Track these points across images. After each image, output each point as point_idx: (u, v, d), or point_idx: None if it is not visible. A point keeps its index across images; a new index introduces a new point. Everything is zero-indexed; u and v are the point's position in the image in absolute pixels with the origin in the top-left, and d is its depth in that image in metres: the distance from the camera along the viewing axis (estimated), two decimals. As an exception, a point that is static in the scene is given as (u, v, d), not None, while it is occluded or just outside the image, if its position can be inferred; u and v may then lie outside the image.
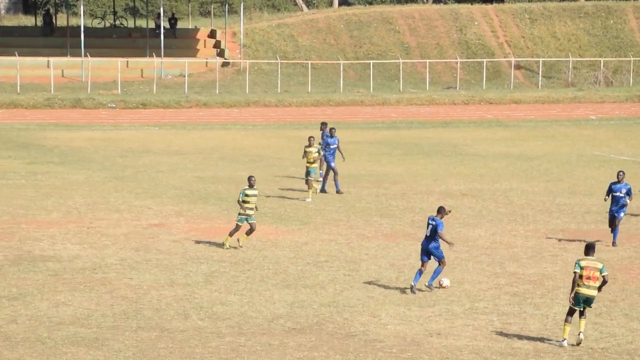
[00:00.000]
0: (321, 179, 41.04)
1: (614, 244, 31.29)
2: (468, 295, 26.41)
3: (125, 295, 26.20)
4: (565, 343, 22.15)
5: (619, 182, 30.88)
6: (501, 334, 23.23)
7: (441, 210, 26.47)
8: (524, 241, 32.49)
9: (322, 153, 39.68)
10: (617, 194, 30.97)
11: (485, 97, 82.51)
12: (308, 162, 39.48)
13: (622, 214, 31.15)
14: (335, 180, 40.47)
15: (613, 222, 31.41)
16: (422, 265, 26.61)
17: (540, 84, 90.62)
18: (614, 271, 28.65)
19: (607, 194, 31.82)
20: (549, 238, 32.84)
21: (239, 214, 30.95)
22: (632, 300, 25.83)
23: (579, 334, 22.18)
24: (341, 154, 41.02)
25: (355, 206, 38.16)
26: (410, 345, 22.39)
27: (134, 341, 22.52)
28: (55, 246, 31.31)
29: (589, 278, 22.06)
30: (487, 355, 21.76)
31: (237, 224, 30.98)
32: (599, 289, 22.24)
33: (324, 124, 43.06)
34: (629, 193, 31.07)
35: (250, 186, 30.85)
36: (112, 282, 27.40)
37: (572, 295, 22.22)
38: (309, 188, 39.23)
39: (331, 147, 40.75)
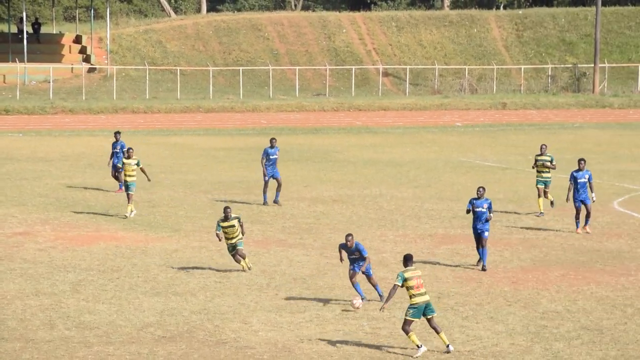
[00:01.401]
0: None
1: (483, 268, 29.78)
2: (339, 300, 26.46)
3: (-10, 305, 25.72)
4: (423, 348, 22.06)
5: (479, 197, 29.94)
6: (371, 338, 23.31)
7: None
8: (392, 246, 32.72)
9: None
10: (479, 209, 29.95)
11: (354, 104, 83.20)
12: (127, 176, 37.31)
13: (486, 234, 30.08)
14: (277, 190, 39.60)
15: (480, 242, 30.08)
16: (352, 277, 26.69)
17: (407, 91, 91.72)
18: (479, 275, 29.10)
19: (467, 212, 30.54)
20: (417, 243, 33.13)
21: (227, 246, 29.14)
22: (497, 304, 26.14)
23: (447, 347, 22.27)
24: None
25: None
26: (282, 352, 22.38)
27: (-2, 352, 22.13)
28: None
29: (418, 287, 22.22)
30: (356, 359, 21.88)
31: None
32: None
33: (117, 133, 42.68)
34: (489, 208, 30.16)
35: (226, 218, 28.63)
36: (-25, 292, 26.88)
37: (387, 304, 22.47)
38: (129, 202, 37.05)
39: (271, 157, 39.52)
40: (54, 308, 25.48)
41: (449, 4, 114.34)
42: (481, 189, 29.84)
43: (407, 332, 21.99)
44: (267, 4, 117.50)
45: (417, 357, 21.89)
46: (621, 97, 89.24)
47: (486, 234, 29.88)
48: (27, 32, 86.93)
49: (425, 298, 22.20)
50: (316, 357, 21.96)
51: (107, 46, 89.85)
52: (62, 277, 28.46)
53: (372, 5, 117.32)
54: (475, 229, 30.07)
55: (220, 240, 29.16)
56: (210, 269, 29.70)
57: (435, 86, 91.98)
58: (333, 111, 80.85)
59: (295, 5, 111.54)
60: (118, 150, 42.07)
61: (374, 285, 26.44)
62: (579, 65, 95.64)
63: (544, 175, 37.22)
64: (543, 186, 37.16)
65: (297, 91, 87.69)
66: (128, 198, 36.74)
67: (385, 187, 44.05)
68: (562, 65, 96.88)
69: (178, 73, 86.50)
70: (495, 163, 51.85)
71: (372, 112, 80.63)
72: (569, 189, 33.79)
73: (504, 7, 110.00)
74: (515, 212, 37.97)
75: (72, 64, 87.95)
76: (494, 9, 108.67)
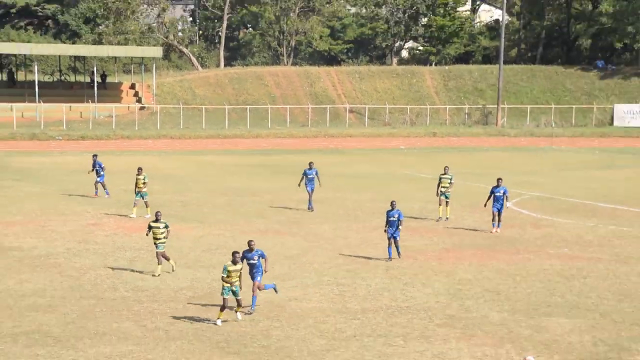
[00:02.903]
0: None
1: (398, 255, 27.98)
2: (316, 271, 26.73)
3: (71, 274, 25.95)
4: (219, 322, 20.74)
5: (392, 209, 27.80)
6: (339, 298, 23.57)
7: None
8: (355, 234, 32.95)
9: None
10: (391, 219, 27.90)
11: (329, 132, 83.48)
12: (138, 187, 35.85)
13: (398, 235, 28.08)
14: (310, 200, 37.76)
15: (393, 241, 28.25)
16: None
17: (366, 123, 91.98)
18: (414, 253, 29.25)
19: (386, 224, 28.17)
20: (372, 232, 33.36)
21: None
22: (427, 274, 26.39)
23: (238, 312, 20.91)
24: (318, 180, 37.82)
25: (239, 210, 38.27)
26: (276, 307, 22.61)
27: (77, 307, 22.37)
28: (18, 239, 30.80)
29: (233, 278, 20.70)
30: (328, 312, 22.04)
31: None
32: None
33: (95, 155, 41.00)
34: (399, 217, 28.00)
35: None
36: (61, 265, 27.09)
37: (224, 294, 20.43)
38: (134, 206, 35.60)
39: (309, 176, 37.44)
40: (116, 276, 25.71)
41: (396, 61, 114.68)
42: (394, 202, 28.12)
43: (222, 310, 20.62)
44: (267, 61, 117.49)
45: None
46: (516, 129, 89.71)
47: (398, 235, 27.91)
48: (97, 81, 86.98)
49: (235, 289, 20.66)
50: (300, 312, 22.20)
51: (153, 91, 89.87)
52: (122, 255, 28.68)
53: (342, 62, 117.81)
54: (389, 232, 27.87)
55: (147, 235, 26.49)
56: (226, 249, 29.95)
57: (386, 120, 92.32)
58: (313, 137, 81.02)
59: (287, 62, 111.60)
60: (98, 168, 40.84)
61: (254, 293, 21.99)
62: (487, 106, 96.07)
63: (444, 189, 34.98)
64: (444, 198, 35.17)
65: (287, 123, 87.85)
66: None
67: (349, 193, 44.30)
68: (475, 106, 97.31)
69: (203, 110, 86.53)
70: (429, 175, 52.19)
71: (341, 138, 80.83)
72: (488, 199, 32.57)
73: (435, 64, 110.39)
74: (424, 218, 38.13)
75: (128, 104, 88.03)
76: (427, 65, 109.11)
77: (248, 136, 79.94)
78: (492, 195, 32.44)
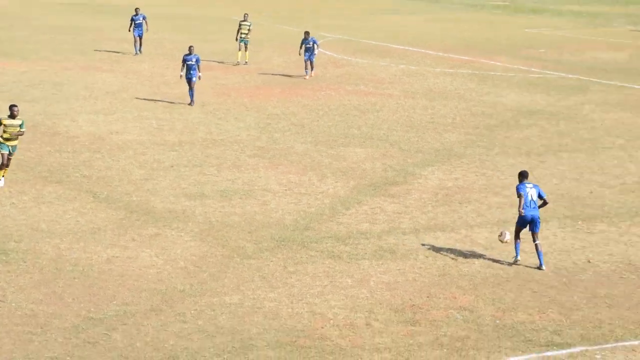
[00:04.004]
0: None
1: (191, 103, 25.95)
2: (136, 107, 25.79)
3: None
4: None
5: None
6: (158, 131, 22.86)
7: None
8: (172, 72, 31.52)
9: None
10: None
11: None
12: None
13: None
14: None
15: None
16: None
17: None
18: (228, 90, 28.68)
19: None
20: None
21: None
22: (240, 110, 25.93)
23: None
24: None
25: (62, 48, 36.25)
26: (98, 140, 21.77)
27: None
28: None
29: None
30: (147, 145, 21.38)
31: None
32: None
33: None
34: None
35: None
36: None
37: None
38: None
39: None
40: None
41: None
42: (192, 47, 25.96)
43: None
44: None
45: None
46: None
47: (195, 78, 25.88)
48: None
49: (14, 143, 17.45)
50: (120, 143, 21.42)
51: None
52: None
53: None
54: (187, 77, 25.95)
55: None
56: (49, 84, 28.34)
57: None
58: None
59: None
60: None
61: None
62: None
63: (244, 35, 33.41)
64: (243, 44, 33.60)
65: None
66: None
67: (167, 33, 42.59)
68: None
69: None
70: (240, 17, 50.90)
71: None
72: (300, 48, 30.85)
73: None
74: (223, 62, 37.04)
75: None
76: None
77: None
78: (303, 45, 31.68)
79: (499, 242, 14.30)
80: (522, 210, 13.79)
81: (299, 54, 31.65)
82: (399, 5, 63.75)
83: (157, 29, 43.30)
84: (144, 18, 35.30)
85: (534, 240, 14.00)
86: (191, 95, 26.13)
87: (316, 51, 31.15)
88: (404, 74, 32.99)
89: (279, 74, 32.18)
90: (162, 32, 42.55)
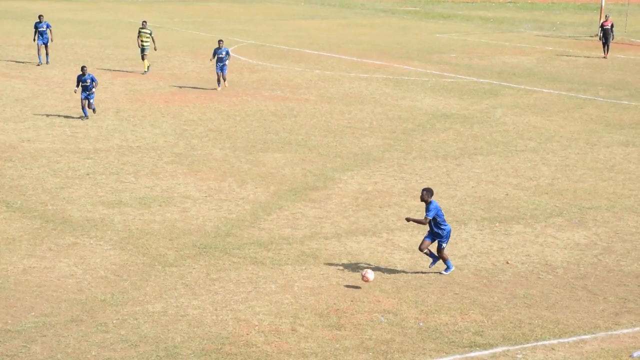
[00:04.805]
0: None
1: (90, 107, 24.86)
2: (48, 114, 25.15)
3: None
4: None
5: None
6: (72, 139, 22.45)
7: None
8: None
9: None
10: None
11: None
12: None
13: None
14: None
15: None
16: None
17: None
18: (143, 97, 28.33)
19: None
20: (103, 74, 31.79)
21: None
22: (155, 116, 25.68)
23: None
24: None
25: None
26: (9, 148, 21.20)
27: None
28: None
29: None
30: (61, 153, 20.95)
31: None
32: None
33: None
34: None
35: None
36: None
37: None
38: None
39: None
40: None
41: None
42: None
43: None
44: None
45: None
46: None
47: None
48: None
49: None
50: (33, 152, 20.93)
51: None
52: None
53: None
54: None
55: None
56: (-45, 92, 27.43)
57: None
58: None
59: None
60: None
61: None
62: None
63: (145, 43, 32.18)
64: (141, 52, 32.46)
65: None
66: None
67: (79, 38, 41.89)
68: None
69: None
70: (150, 23, 50.45)
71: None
72: (212, 58, 29.84)
73: None
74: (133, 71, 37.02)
75: None
76: None
77: None
78: (216, 56, 31.26)
79: (416, 250, 14.43)
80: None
81: (211, 61, 30.75)
82: (312, 11, 64.10)
83: (67, 34, 42.43)
84: (48, 27, 33.27)
85: (439, 247, 13.89)
86: (85, 113, 24.65)
87: (228, 62, 29.88)
88: (320, 79, 33.15)
89: (194, 80, 31.93)
90: (72, 37, 41.73)
